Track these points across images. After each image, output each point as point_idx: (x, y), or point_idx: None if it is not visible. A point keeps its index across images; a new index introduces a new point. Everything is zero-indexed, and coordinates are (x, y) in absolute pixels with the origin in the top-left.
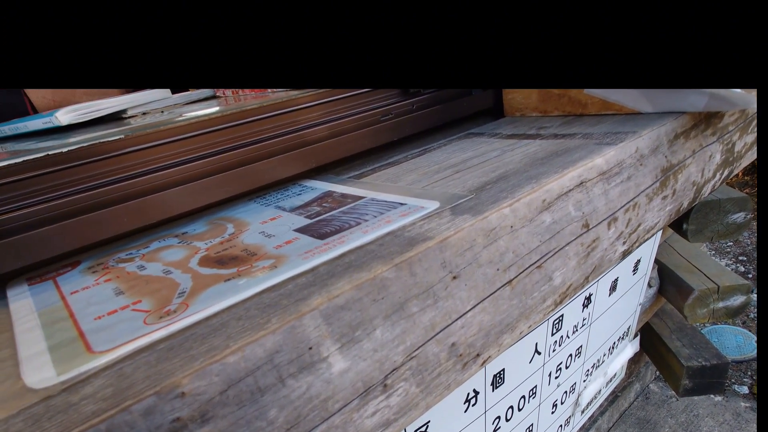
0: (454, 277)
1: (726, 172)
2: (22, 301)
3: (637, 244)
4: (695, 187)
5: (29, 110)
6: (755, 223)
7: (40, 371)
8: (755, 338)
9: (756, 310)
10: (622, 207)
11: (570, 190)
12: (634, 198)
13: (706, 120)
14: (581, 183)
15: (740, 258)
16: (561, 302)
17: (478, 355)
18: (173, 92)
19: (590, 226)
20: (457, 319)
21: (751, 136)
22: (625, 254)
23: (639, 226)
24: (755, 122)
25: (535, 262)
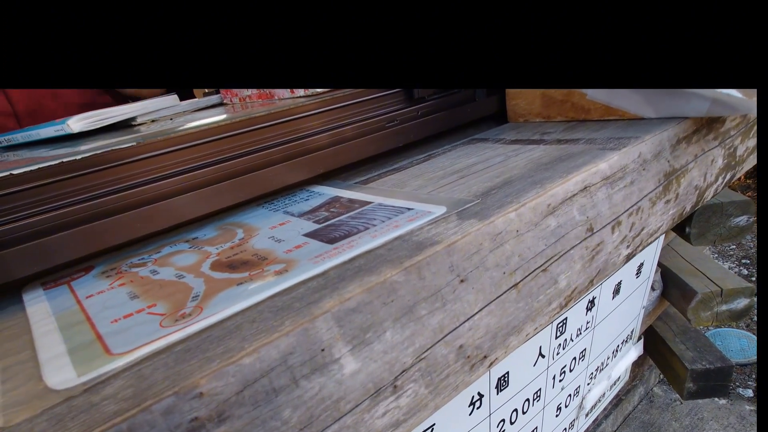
0: (462, 281)
1: (728, 176)
2: (39, 305)
3: (640, 248)
4: (698, 191)
5: None
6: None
7: (60, 372)
8: None
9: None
10: (625, 211)
11: (574, 195)
12: (638, 202)
13: (708, 125)
14: (585, 188)
15: (743, 261)
16: (566, 305)
17: (485, 356)
18: (181, 99)
19: (594, 230)
20: (464, 322)
21: (753, 141)
22: (629, 257)
23: (642, 229)
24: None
25: (541, 266)
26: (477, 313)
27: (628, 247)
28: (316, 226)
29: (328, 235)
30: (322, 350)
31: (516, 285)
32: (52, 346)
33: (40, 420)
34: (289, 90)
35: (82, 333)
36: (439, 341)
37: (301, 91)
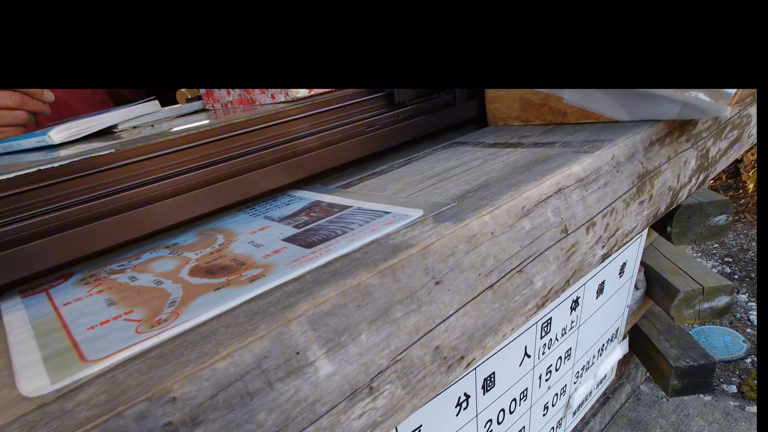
0: (437, 283)
1: (702, 177)
2: (16, 314)
3: (616, 248)
4: (671, 192)
5: None
6: (739, 225)
7: (34, 380)
8: (742, 338)
9: (742, 311)
10: (599, 212)
11: (548, 197)
12: (612, 203)
13: (680, 127)
14: (559, 190)
15: (726, 260)
16: (543, 305)
17: (462, 357)
18: (163, 105)
19: (569, 231)
20: (440, 323)
21: (725, 142)
22: (605, 257)
23: (617, 230)
24: (728, 129)
25: (516, 267)
26: (453, 314)
27: (603, 247)
28: (296, 231)
29: (306, 240)
30: (297, 353)
31: (491, 286)
32: (27, 354)
33: (12, 428)
34: (270, 95)
35: (58, 340)
36: (414, 343)
37: (281, 97)
